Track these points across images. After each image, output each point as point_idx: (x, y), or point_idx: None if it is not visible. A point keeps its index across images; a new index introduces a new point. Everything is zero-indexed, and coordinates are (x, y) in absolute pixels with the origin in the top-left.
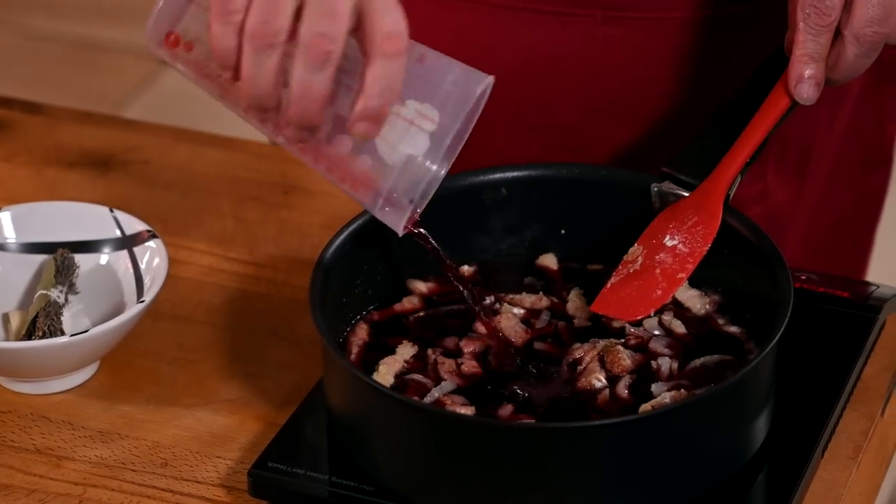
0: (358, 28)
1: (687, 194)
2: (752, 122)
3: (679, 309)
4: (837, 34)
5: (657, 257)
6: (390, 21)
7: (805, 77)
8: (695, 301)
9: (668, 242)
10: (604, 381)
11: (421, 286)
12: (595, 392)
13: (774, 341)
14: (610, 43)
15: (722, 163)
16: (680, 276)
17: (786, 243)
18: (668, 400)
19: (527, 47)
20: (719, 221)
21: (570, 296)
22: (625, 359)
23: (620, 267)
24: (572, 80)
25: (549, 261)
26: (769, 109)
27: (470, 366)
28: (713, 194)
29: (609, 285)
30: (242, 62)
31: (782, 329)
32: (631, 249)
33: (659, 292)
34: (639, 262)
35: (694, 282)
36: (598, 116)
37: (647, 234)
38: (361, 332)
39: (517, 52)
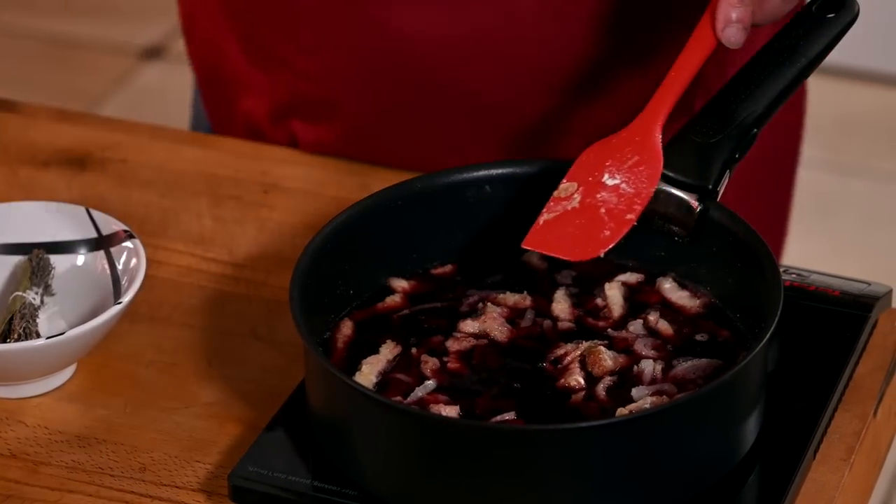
0: None
1: (682, 193)
2: (679, 62)
3: (667, 309)
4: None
5: (599, 196)
6: None
7: (733, 20)
8: (684, 301)
9: (609, 181)
10: (582, 382)
11: (403, 284)
12: (572, 393)
13: (764, 341)
14: (530, 14)
15: (652, 101)
16: (629, 216)
17: None
18: (647, 405)
19: (445, 31)
20: (662, 161)
21: (556, 296)
22: (606, 360)
23: (552, 203)
24: (495, 56)
25: (535, 258)
26: (696, 49)
27: (455, 365)
28: (649, 133)
29: (542, 222)
30: None
31: (772, 328)
32: (563, 185)
33: (607, 233)
34: (576, 200)
35: (682, 282)
36: (527, 91)
37: (579, 170)
38: (344, 333)
39: (437, 36)
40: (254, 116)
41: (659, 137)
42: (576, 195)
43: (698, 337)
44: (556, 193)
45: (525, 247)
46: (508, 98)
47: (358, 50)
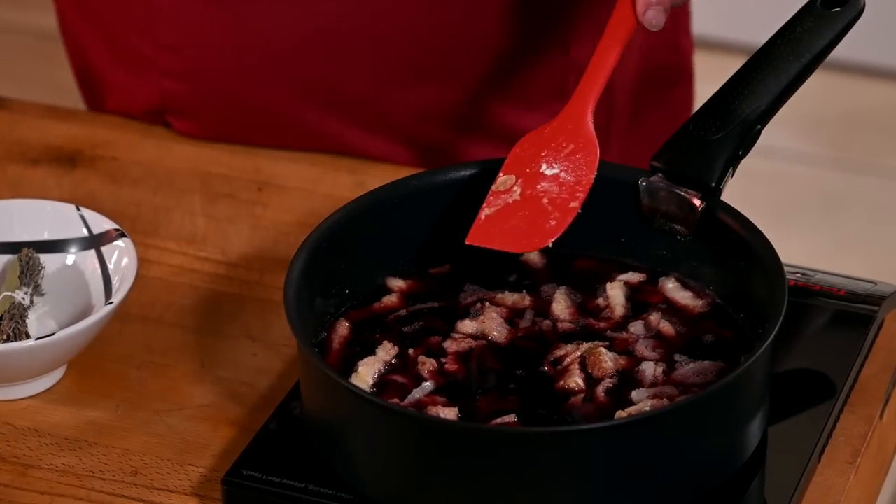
0: None
1: (684, 191)
2: (602, 46)
3: (669, 309)
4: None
5: (539, 186)
6: None
7: (654, 2)
8: (687, 301)
9: (548, 171)
10: (581, 384)
11: (400, 284)
12: (571, 395)
13: (769, 341)
14: (389, 4)
15: (580, 87)
16: (573, 205)
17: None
18: (647, 407)
19: (309, 25)
20: (597, 147)
21: (556, 296)
22: (606, 361)
23: (491, 197)
24: (357, 49)
25: (535, 257)
26: (617, 31)
27: (453, 366)
28: (581, 120)
29: (484, 217)
30: None
31: (776, 329)
32: (500, 179)
33: (553, 222)
34: (517, 193)
35: (685, 281)
36: (386, 83)
37: (515, 163)
38: (339, 333)
39: (298, 31)
40: (127, 111)
41: (591, 123)
42: (515, 188)
43: (701, 338)
44: (494, 187)
45: (469, 243)
46: (372, 90)
47: (218, 47)
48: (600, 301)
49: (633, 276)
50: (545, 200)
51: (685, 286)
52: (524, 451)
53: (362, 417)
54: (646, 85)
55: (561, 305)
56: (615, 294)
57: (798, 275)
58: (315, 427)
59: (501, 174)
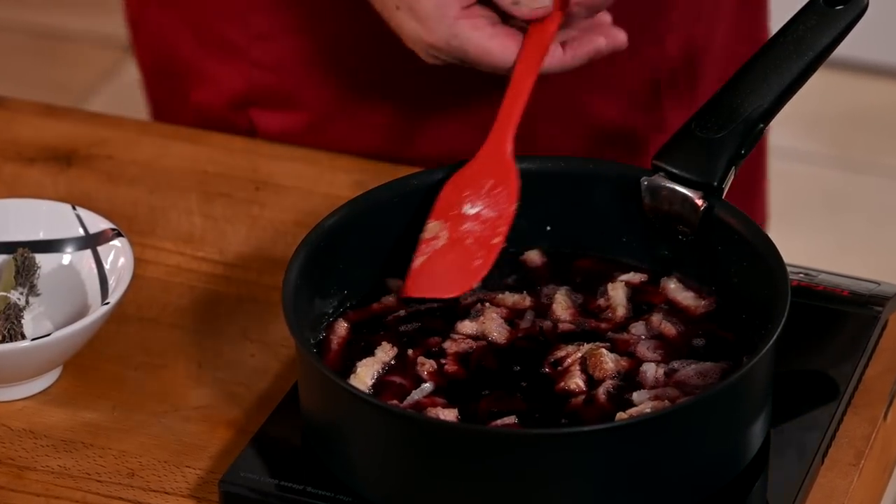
0: None
1: (686, 190)
2: (516, 75)
3: (671, 310)
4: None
5: (463, 228)
6: None
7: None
8: (689, 302)
9: (471, 210)
10: (582, 385)
11: (399, 284)
12: (572, 396)
13: (771, 342)
14: None
15: (498, 121)
16: (495, 240)
17: None
18: (648, 409)
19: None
20: (517, 176)
21: (557, 297)
22: (608, 362)
23: (422, 245)
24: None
25: (535, 257)
26: (531, 57)
27: (452, 367)
28: (500, 153)
29: (415, 267)
30: None
31: (779, 329)
32: (429, 225)
33: (478, 261)
34: (444, 237)
35: (687, 281)
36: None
37: (441, 208)
38: (338, 334)
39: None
40: (207, 109)
41: (510, 154)
42: (442, 232)
43: (703, 339)
44: (423, 235)
45: (405, 295)
46: (474, 83)
47: (313, 36)
48: (601, 301)
49: (635, 277)
50: (469, 241)
51: (687, 287)
52: (524, 453)
53: (361, 419)
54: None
55: (561, 306)
56: (616, 294)
57: (801, 275)
58: (313, 428)
59: (430, 220)
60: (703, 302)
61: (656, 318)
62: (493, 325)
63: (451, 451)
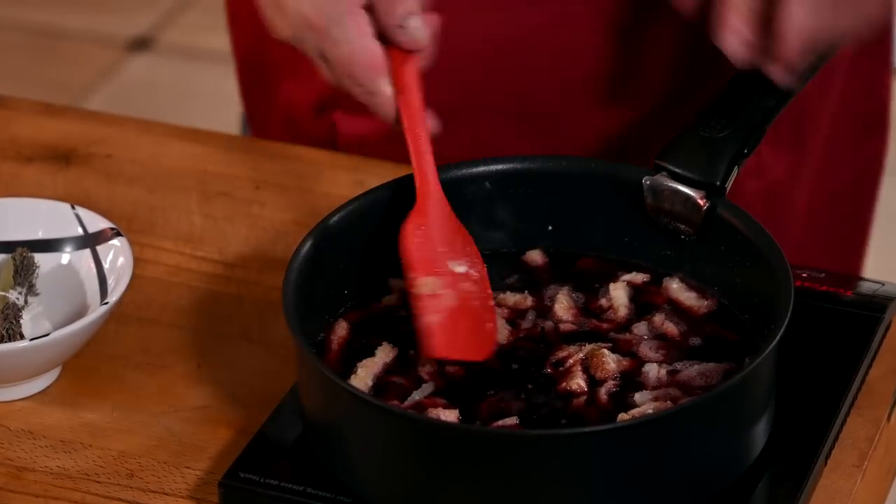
0: None
1: (688, 189)
2: (408, 125)
3: (674, 310)
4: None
5: (461, 287)
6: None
7: (734, 31)
8: (692, 302)
9: (459, 269)
10: (584, 385)
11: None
12: (573, 396)
13: (774, 343)
14: (584, 23)
15: (418, 169)
16: (491, 303)
17: (786, 220)
18: (650, 410)
19: (495, 29)
20: (463, 228)
21: (558, 297)
22: (609, 363)
23: (427, 302)
24: (545, 62)
25: (536, 257)
26: (412, 91)
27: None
28: (443, 203)
29: (434, 326)
30: None
31: (782, 330)
32: (424, 281)
33: (490, 325)
34: (451, 296)
35: (690, 282)
36: (575, 100)
37: (421, 262)
38: (338, 334)
39: (485, 34)
40: (294, 107)
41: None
42: (444, 291)
43: (705, 340)
44: (420, 290)
45: (438, 357)
46: (552, 105)
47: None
48: (603, 302)
49: (637, 277)
50: (475, 303)
51: (690, 287)
52: (525, 454)
53: (361, 419)
54: (840, 132)
55: (563, 306)
56: (618, 294)
57: (804, 275)
58: (314, 429)
59: (418, 276)
60: (705, 302)
61: (658, 319)
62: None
63: (452, 452)
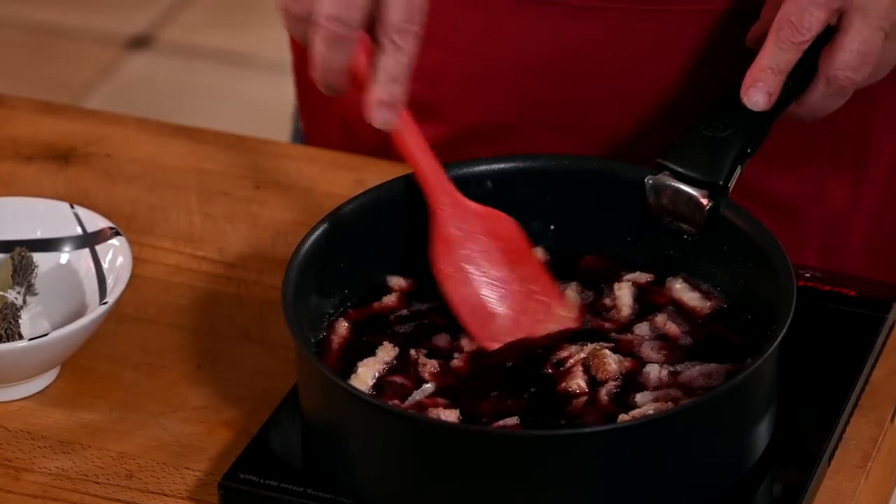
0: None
1: (691, 189)
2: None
3: (676, 311)
4: (814, 70)
5: (518, 286)
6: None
7: (758, 84)
8: (695, 303)
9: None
10: (584, 386)
11: (401, 282)
12: (573, 397)
13: (776, 343)
14: (644, 38)
15: (428, 183)
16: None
17: (846, 249)
18: (651, 411)
19: (557, 44)
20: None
21: (566, 293)
22: (610, 363)
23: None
24: (605, 77)
25: (538, 254)
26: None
27: (460, 363)
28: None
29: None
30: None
31: (785, 330)
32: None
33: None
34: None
35: (693, 282)
36: (633, 116)
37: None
38: (339, 333)
39: (547, 49)
40: (352, 106)
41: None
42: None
43: (707, 340)
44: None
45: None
46: (610, 120)
47: (465, 51)
48: (607, 301)
49: (641, 276)
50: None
51: (693, 287)
52: (526, 454)
53: (362, 420)
54: None
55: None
56: (623, 294)
57: (807, 275)
58: (314, 430)
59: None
60: (708, 303)
61: (661, 319)
62: None
63: (453, 452)
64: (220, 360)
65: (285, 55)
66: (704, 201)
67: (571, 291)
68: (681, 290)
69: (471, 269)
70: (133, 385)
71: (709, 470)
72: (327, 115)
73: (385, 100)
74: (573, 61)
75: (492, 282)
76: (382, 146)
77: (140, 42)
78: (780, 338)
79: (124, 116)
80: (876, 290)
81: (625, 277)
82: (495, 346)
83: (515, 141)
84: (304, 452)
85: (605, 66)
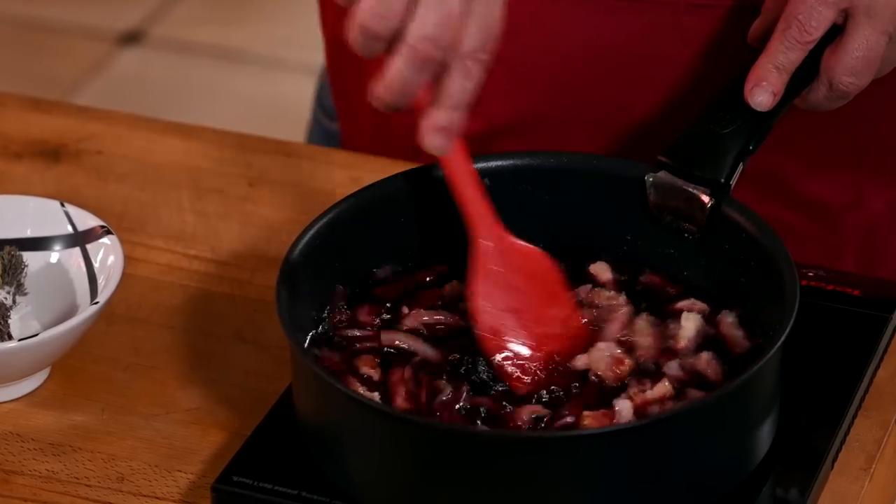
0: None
1: (692, 186)
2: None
3: (719, 348)
4: (816, 68)
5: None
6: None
7: (762, 83)
8: (737, 342)
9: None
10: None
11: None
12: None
13: (779, 344)
14: (691, 34)
15: (473, 217)
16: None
17: (885, 256)
18: (627, 411)
19: (600, 37)
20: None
21: (638, 323)
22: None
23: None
24: (649, 74)
25: (602, 270)
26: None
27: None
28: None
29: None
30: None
31: (787, 330)
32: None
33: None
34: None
35: (744, 317)
36: (678, 113)
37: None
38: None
39: (590, 42)
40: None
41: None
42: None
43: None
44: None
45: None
46: (654, 118)
47: (501, 44)
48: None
49: (695, 304)
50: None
51: (741, 324)
52: (525, 457)
53: (357, 422)
54: None
55: (643, 333)
56: (688, 326)
57: (810, 274)
58: (308, 431)
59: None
60: (747, 343)
61: (705, 356)
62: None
63: (450, 455)
64: (212, 360)
65: (279, 51)
66: (706, 199)
67: (642, 322)
68: (731, 324)
69: (505, 306)
70: (124, 386)
71: (710, 472)
72: (362, 117)
73: (444, 126)
74: (616, 56)
75: (523, 321)
76: (415, 150)
77: (131, 37)
78: (782, 338)
79: (115, 113)
80: (880, 289)
81: (691, 307)
82: (523, 388)
83: (548, 137)
84: (299, 455)
85: (650, 63)
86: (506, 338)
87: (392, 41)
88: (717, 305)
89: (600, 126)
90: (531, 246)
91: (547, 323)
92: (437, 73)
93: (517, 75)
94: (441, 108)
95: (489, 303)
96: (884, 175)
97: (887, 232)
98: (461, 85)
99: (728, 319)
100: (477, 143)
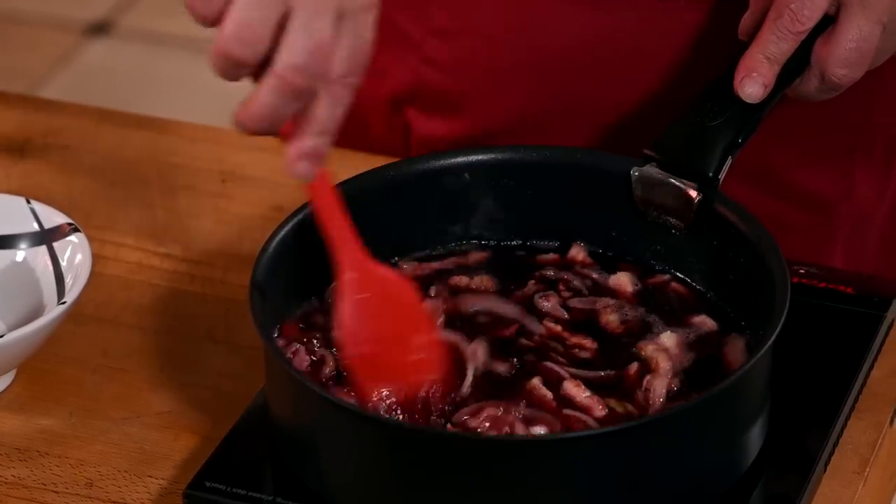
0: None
1: (679, 181)
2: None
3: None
4: (807, 58)
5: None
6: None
7: (752, 74)
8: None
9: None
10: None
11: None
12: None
13: (769, 344)
14: (682, 29)
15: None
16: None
17: (867, 243)
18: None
19: (592, 35)
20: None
21: (663, 338)
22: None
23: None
24: (641, 70)
25: (624, 280)
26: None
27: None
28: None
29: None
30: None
31: (778, 329)
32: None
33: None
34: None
35: (752, 345)
36: (668, 109)
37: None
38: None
39: (581, 39)
40: (364, 102)
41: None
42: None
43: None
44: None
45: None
46: (650, 117)
47: (494, 40)
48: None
49: (707, 321)
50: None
51: (748, 350)
52: (509, 460)
53: (334, 425)
54: None
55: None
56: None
57: (802, 271)
58: (283, 435)
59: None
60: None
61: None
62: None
63: (430, 458)
64: (184, 362)
65: None
66: (693, 194)
67: (668, 338)
68: (739, 350)
69: (368, 331)
70: (93, 389)
71: (699, 476)
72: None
73: (309, 152)
74: (606, 53)
75: (389, 347)
76: (397, 145)
77: (99, 28)
78: (773, 338)
79: (83, 106)
80: (874, 286)
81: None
82: (373, 396)
83: (540, 138)
84: (273, 459)
85: (639, 59)
86: (375, 366)
87: (258, 66)
88: (728, 328)
89: (592, 123)
90: (392, 272)
91: (412, 349)
92: (305, 100)
93: (506, 74)
94: (308, 134)
95: (355, 331)
96: (872, 162)
97: (871, 221)
98: (329, 112)
99: (740, 344)
100: (466, 146)
